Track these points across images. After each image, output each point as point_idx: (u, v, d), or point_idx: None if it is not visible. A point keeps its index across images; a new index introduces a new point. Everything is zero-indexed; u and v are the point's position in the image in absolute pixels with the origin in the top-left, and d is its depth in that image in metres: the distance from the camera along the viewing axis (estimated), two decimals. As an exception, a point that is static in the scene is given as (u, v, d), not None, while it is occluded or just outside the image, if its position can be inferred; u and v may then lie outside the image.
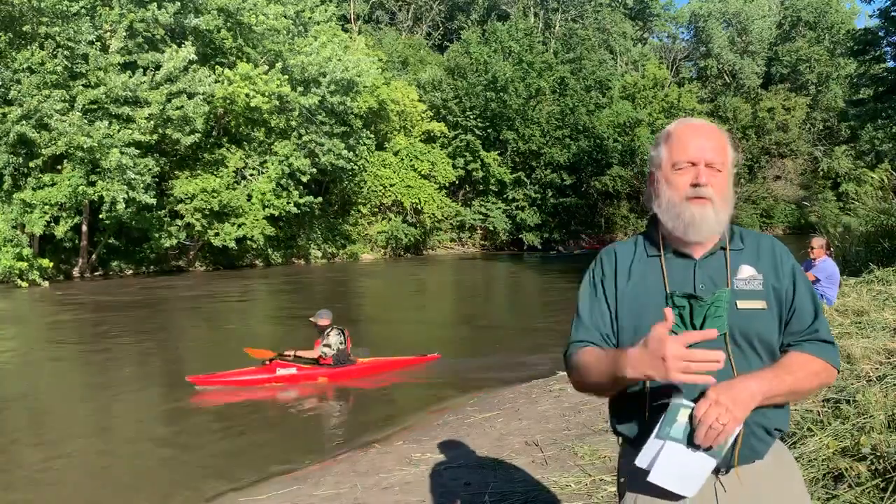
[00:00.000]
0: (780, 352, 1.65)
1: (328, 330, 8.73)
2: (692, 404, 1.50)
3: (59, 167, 21.93)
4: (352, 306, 17.69)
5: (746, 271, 1.65)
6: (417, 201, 34.41)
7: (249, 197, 26.52)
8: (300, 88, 26.92)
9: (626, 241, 1.80)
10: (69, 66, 21.50)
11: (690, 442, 1.50)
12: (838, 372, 1.68)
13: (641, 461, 1.55)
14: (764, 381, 1.52)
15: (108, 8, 23.12)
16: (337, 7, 34.67)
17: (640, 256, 1.72)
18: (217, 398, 8.04)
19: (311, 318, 8.85)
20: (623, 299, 1.69)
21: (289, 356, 8.61)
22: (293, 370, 8.49)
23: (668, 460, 1.51)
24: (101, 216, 22.36)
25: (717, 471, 1.60)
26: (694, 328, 1.59)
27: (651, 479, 1.53)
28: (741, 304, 1.60)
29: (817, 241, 8.12)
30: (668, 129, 1.73)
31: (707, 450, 1.49)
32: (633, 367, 1.48)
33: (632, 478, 1.70)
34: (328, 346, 8.63)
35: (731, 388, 1.48)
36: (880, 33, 22.28)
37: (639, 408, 1.65)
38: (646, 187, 1.80)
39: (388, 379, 9.16)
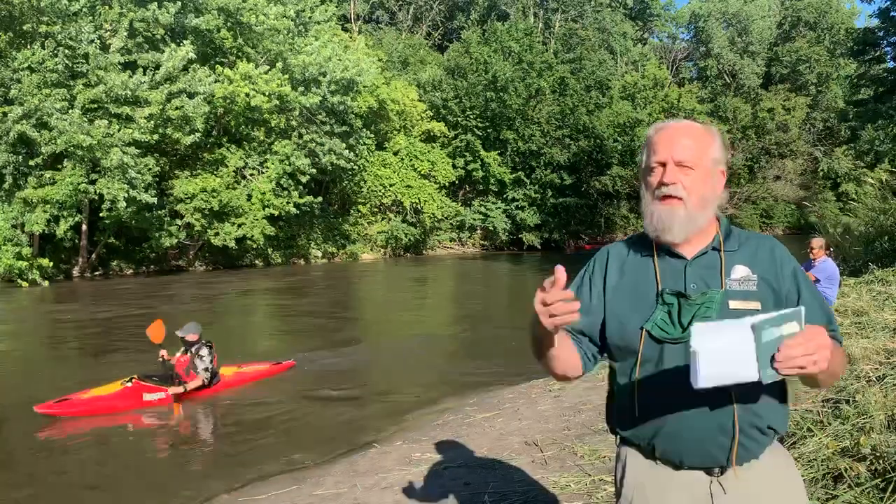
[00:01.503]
0: None
1: (197, 346, 7.90)
2: (801, 327, 1.38)
3: (59, 166, 21.95)
4: (352, 306, 17.71)
5: (740, 272, 1.64)
6: (417, 201, 34.42)
7: (249, 197, 26.54)
8: (300, 88, 26.93)
9: (621, 241, 1.82)
10: (69, 65, 21.52)
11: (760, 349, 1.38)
12: None
13: (700, 330, 1.41)
14: (829, 364, 1.43)
15: (107, 7, 23.13)
16: (337, 7, 34.67)
17: (634, 255, 1.74)
18: (208, 401, 8.03)
19: (177, 332, 7.93)
20: (614, 296, 1.70)
21: (180, 390, 7.61)
22: (161, 394, 7.61)
23: (726, 355, 1.39)
24: (101, 215, 22.38)
25: (712, 472, 1.60)
26: (682, 326, 1.60)
27: (702, 385, 1.40)
28: (733, 304, 1.60)
29: (817, 242, 8.12)
30: (647, 132, 1.75)
31: (767, 364, 1.37)
32: (533, 325, 1.53)
33: (628, 477, 1.71)
34: (207, 369, 7.85)
35: (821, 331, 1.40)
36: (880, 33, 22.28)
37: (632, 405, 1.65)
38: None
39: (387, 378, 9.15)
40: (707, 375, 1.40)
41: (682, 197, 1.62)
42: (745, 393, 1.58)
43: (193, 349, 7.88)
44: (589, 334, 1.73)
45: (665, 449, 1.62)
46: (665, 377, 1.61)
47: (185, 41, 23.66)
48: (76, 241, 23.23)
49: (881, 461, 2.98)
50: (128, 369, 9.46)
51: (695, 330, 1.41)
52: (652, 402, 1.62)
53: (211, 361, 7.95)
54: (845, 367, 1.66)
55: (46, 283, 21.04)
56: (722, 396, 1.57)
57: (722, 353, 1.39)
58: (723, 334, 1.40)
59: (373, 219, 34.57)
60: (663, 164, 1.65)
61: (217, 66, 25.89)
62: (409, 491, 4.31)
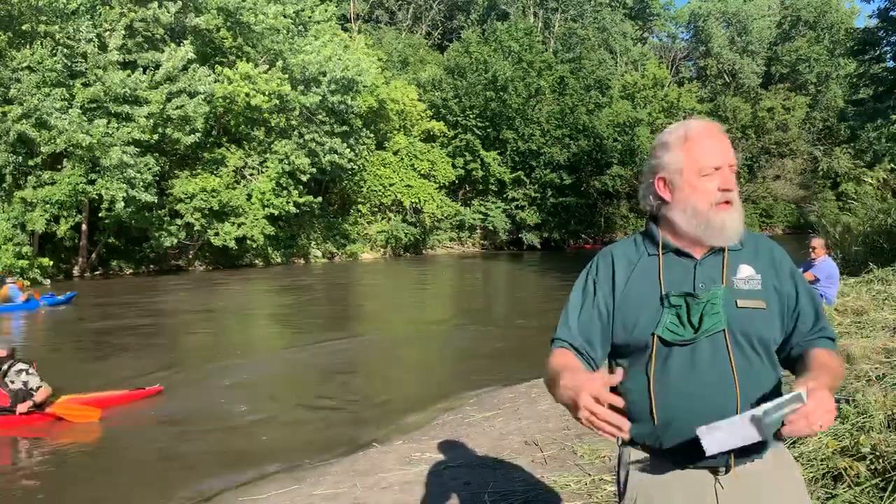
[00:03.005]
0: (787, 353, 1.67)
1: (9, 364, 7.13)
2: (805, 399, 1.43)
3: (59, 166, 21.93)
4: (352, 306, 17.71)
5: (745, 271, 1.65)
6: (417, 201, 34.43)
7: (249, 196, 26.54)
8: (300, 88, 26.92)
9: (624, 240, 1.80)
10: (68, 64, 21.51)
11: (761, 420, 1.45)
12: None
13: (709, 435, 1.48)
14: (830, 387, 1.49)
15: (107, 7, 23.12)
16: (336, 7, 34.67)
17: (639, 256, 1.72)
18: (210, 398, 8.04)
19: None
20: (620, 298, 1.69)
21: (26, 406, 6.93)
22: None
23: (733, 434, 1.47)
24: (100, 215, 22.38)
25: (716, 471, 1.60)
26: (692, 326, 1.60)
27: (707, 445, 1.48)
28: (741, 304, 1.61)
29: (818, 241, 8.14)
30: (682, 132, 1.68)
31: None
32: (562, 392, 1.52)
33: (632, 477, 1.70)
34: (33, 389, 7.05)
35: (826, 393, 1.44)
36: (880, 33, 22.26)
37: (638, 406, 1.65)
38: (642, 187, 1.77)
39: (387, 377, 9.13)
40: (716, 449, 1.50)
41: (733, 201, 1.65)
42: (750, 393, 1.58)
43: (4, 367, 7.12)
44: (596, 342, 1.71)
45: (671, 449, 1.63)
46: (671, 378, 1.61)
47: (184, 41, 23.66)
48: (76, 240, 23.23)
49: (881, 461, 2.99)
50: (127, 368, 9.45)
51: (701, 434, 1.48)
52: (658, 403, 1.62)
53: (26, 382, 7.09)
54: (844, 371, 1.67)
55: (47, 282, 21.05)
56: (727, 397, 1.57)
57: (730, 443, 1.49)
58: (729, 435, 1.48)
59: (373, 218, 34.58)
60: (718, 169, 1.64)
61: (217, 65, 25.90)
62: (408, 491, 4.31)
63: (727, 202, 1.64)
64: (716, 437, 1.48)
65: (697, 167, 1.64)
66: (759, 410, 1.45)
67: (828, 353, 1.62)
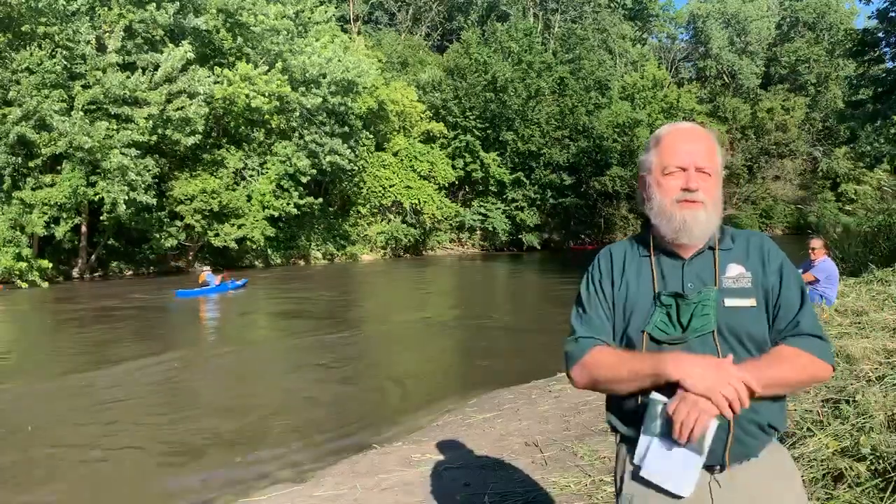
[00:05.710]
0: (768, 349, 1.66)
1: None
2: (666, 399, 1.50)
3: (58, 168, 21.93)
4: (351, 308, 17.70)
5: (734, 270, 1.67)
6: (417, 202, 34.44)
7: (249, 198, 26.55)
8: (301, 89, 26.94)
9: (621, 241, 1.84)
10: (68, 65, 21.52)
11: (669, 437, 1.51)
12: (833, 368, 1.66)
13: (636, 458, 1.58)
14: (747, 370, 1.50)
15: (106, 8, 23.14)
16: (336, 8, 34.70)
17: (632, 257, 1.76)
18: (215, 399, 8.03)
19: None
20: (616, 298, 1.73)
21: None
22: None
23: (656, 456, 1.53)
24: (101, 217, 22.38)
25: (711, 469, 1.60)
26: (681, 326, 1.62)
27: (643, 474, 1.55)
28: (728, 302, 1.63)
29: (817, 242, 8.14)
30: (658, 133, 1.77)
31: (686, 445, 1.49)
32: (676, 366, 1.52)
33: (629, 474, 1.71)
34: None
35: (704, 380, 1.48)
36: (879, 34, 22.27)
37: (634, 405, 1.66)
38: (638, 190, 1.83)
39: (388, 379, 9.14)
40: (687, 484, 1.53)
41: (703, 202, 1.66)
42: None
43: None
44: (610, 342, 1.73)
45: None
46: None
47: (183, 42, 23.67)
48: (76, 242, 23.23)
49: (881, 461, 2.98)
50: (126, 369, 9.45)
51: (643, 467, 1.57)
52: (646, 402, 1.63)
53: None
54: (810, 372, 1.63)
55: (46, 284, 21.03)
56: None
57: (666, 460, 1.54)
58: (665, 464, 1.54)
59: (372, 219, 34.59)
60: (684, 169, 1.67)
61: (216, 67, 25.91)
62: (409, 492, 4.31)
63: (689, 201, 1.65)
64: (651, 465, 1.53)
65: (662, 165, 1.70)
66: (642, 428, 1.55)
67: (791, 349, 1.59)
